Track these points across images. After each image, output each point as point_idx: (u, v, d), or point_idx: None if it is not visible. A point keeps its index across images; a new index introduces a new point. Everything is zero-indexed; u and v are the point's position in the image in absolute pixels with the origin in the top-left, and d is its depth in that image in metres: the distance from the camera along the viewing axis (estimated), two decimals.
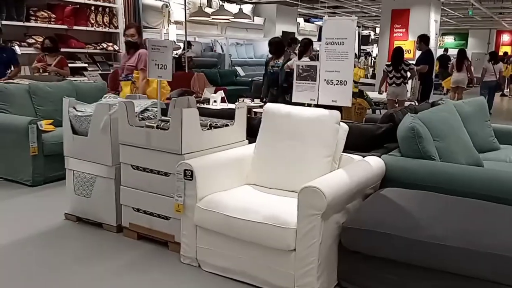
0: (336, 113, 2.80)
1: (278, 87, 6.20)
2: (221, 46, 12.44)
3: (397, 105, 7.62)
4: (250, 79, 10.66)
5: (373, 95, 9.12)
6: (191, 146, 2.76)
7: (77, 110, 3.21)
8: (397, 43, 11.70)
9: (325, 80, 3.00)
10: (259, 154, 2.89)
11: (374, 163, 2.77)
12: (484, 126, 4.03)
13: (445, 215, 2.32)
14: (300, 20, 15.70)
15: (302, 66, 3.15)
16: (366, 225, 2.27)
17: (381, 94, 7.98)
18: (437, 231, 2.14)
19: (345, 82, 2.93)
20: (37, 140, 4.06)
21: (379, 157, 2.93)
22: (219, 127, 3.04)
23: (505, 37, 22.41)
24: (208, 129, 3.00)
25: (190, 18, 9.02)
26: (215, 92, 6.92)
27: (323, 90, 3.02)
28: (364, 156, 2.89)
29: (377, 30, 18.96)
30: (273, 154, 2.82)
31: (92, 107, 3.17)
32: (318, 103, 3.10)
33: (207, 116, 3.41)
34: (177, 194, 2.59)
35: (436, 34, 12.20)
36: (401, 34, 11.76)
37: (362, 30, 22.06)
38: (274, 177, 2.79)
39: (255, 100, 7.23)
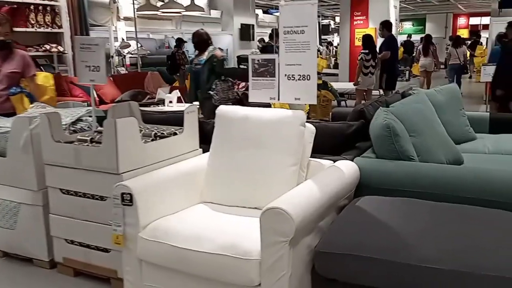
0: (301, 114, 2.41)
1: (201, 88, 5.30)
2: None
3: (365, 95, 7.37)
4: None
5: (337, 85, 8.84)
6: (131, 163, 2.30)
7: None
8: (358, 31, 11.51)
9: (285, 75, 2.62)
10: (214, 166, 2.46)
11: (347, 169, 2.40)
12: (459, 115, 3.76)
13: (434, 229, 1.96)
14: (259, 11, 15.29)
15: (258, 61, 2.74)
16: (343, 248, 1.89)
17: (358, 85, 7.63)
18: (428, 252, 1.78)
19: (308, 77, 2.55)
20: None
21: (352, 160, 2.56)
22: (165, 136, 2.59)
23: (461, 21, 22.75)
24: (152, 139, 2.55)
25: (139, 13, 8.43)
26: (170, 92, 6.45)
27: (284, 86, 2.63)
28: (335, 161, 2.52)
29: (337, 19, 18.78)
30: (229, 165, 2.40)
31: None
32: (280, 102, 2.72)
33: (154, 123, 2.96)
34: (115, 223, 2.14)
35: (396, 20, 12.06)
36: (362, 22, 11.56)
37: (322, 20, 21.88)
38: (233, 193, 2.37)
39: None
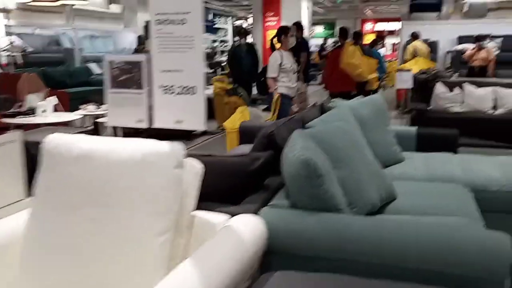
0: (178, 149, 1.54)
1: None
2: (71, 39, 10.39)
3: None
4: None
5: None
6: None
7: None
8: (271, 33, 10.96)
9: (160, 86, 1.76)
10: (32, 237, 1.49)
11: (249, 231, 1.58)
12: (386, 133, 3.14)
13: None
14: None
15: (119, 64, 1.86)
16: None
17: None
18: None
19: (193, 89, 1.73)
20: None
21: (257, 212, 1.75)
22: None
23: (368, 26, 23.37)
24: None
25: (19, 1, 7.02)
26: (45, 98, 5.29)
27: (160, 103, 1.78)
28: (232, 215, 1.69)
29: (250, 20, 18.22)
30: (58, 237, 1.45)
31: None
32: (152, 126, 1.84)
33: None
34: None
35: (309, 23, 11.71)
36: (274, 23, 11.02)
37: (234, 21, 21.21)
38: (62, 284, 1.44)
39: (102, 106, 5.71)
